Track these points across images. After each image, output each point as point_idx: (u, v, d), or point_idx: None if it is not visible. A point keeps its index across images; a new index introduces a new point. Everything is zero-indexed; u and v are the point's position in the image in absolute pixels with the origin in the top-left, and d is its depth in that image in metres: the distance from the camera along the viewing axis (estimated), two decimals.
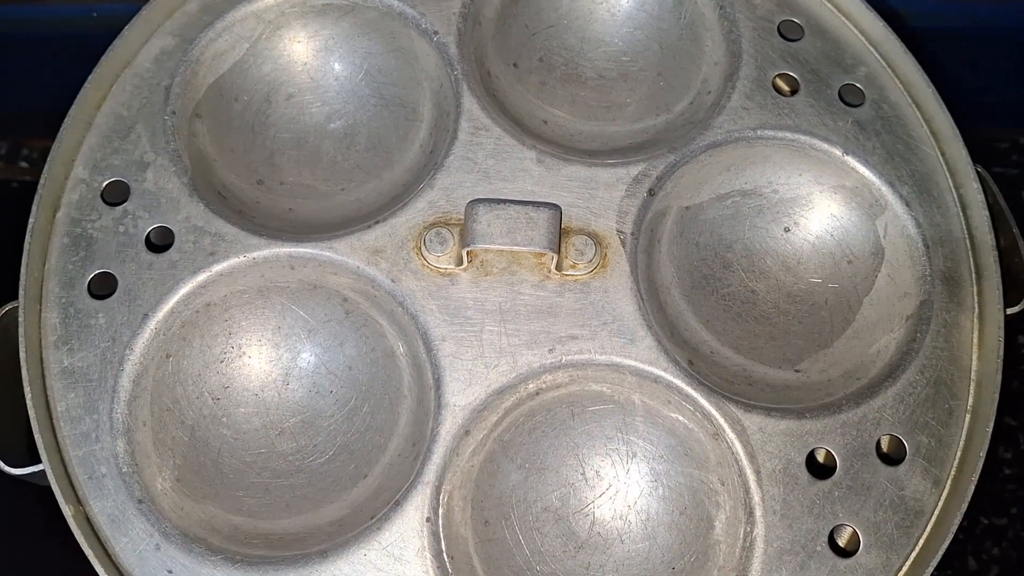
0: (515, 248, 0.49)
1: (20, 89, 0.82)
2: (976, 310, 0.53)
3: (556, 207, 0.51)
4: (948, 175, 0.55)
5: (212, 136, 0.56)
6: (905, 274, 0.54)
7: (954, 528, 0.48)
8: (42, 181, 0.52)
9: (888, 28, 0.56)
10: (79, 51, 0.78)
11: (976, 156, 0.54)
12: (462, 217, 0.52)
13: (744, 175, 0.56)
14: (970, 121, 0.56)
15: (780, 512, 0.48)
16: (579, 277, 0.52)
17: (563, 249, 0.51)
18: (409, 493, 0.48)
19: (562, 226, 0.51)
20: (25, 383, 0.49)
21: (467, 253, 0.51)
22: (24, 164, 0.85)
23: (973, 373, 0.52)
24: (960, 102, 0.56)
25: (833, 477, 0.49)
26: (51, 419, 0.49)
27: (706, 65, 0.58)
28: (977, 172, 0.54)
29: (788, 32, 0.57)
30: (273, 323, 0.53)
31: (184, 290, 0.51)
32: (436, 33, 0.56)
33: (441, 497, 0.48)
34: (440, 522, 0.48)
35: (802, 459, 0.49)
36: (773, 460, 0.49)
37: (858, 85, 0.56)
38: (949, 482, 0.50)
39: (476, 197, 0.52)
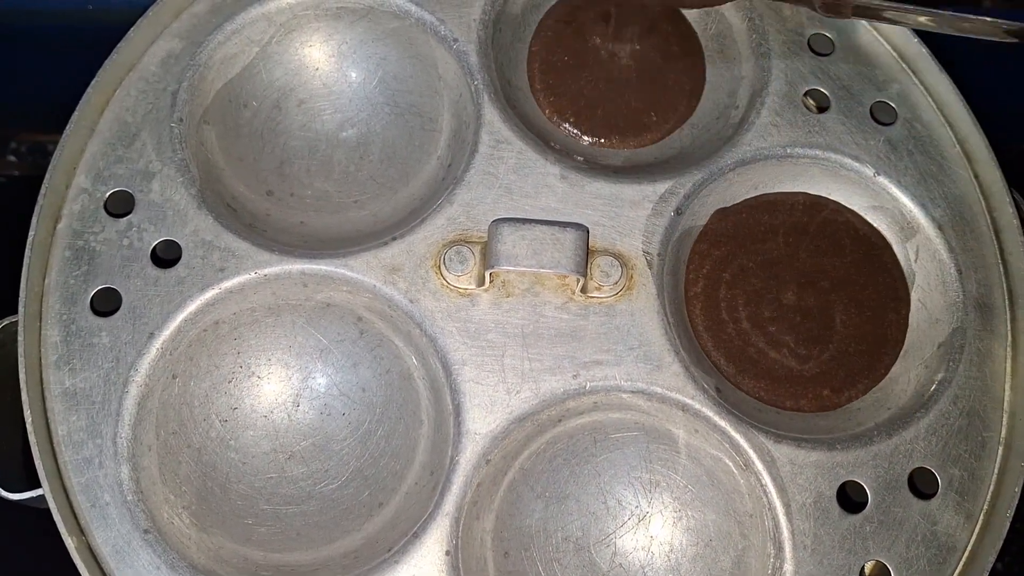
0: (542, 271, 0.48)
1: (9, 82, 0.79)
2: (1010, 338, 0.51)
3: (584, 228, 0.49)
4: (982, 198, 0.53)
5: (220, 144, 0.53)
6: (937, 300, 0.52)
7: (989, 565, 0.47)
8: (43, 191, 0.49)
9: (922, 44, 0.55)
10: (72, 44, 0.75)
11: None
12: (483, 235, 0.50)
13: None
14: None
15: (811, 547, 0.47)
16: (604, 299, 0.50)
17: (588, 270, 0.49)
18: (428, 525, 0.46)
19: (588, 246, 0.49)
20: (25, 405, 0.47)
21: (489, 274, 0.49)
22: (12, 158, 0.83)
23: (1006, 404, 0.50)
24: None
25: (864, 511, 0.48)
26: (52, 443, 0.47)
27: (733, 79, 0.56)
28: (1012, 196, 0.52)
29: (819, 47, 0.55)
30: (284, 342, 0.51)
31: (191, 308, 0.49)
32: (456, 40, 0.54)
33: (460, 529, 0.46)
34: (460, 555, 0.46)
35: (833, 492, 0.48)
36: (803, 493, 0.48)
37: (890, 103, 0.54)
38: (982, 517, 0.49)
39: (497, 214, 0.50)
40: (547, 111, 0.55)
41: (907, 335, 0.52)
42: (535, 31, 0.57)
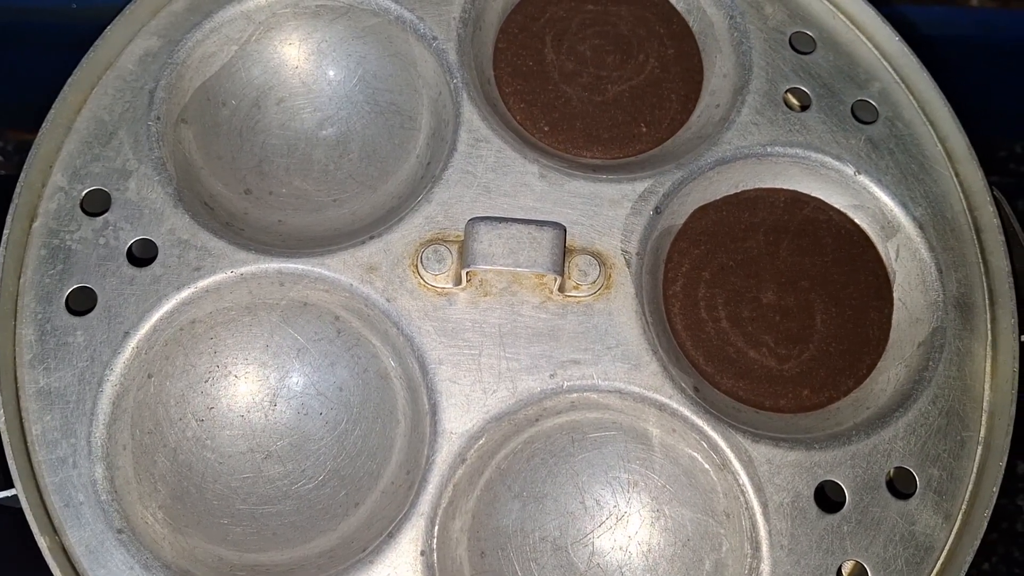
0: (518, 269, 0.47)
1: None
2: (990, 338, 0.51)
3: (560, 227, 0.49)
4: (963, 197, 0.53)
5: (198, 143, 0.53)
6: (917, 299, 0.52)
7: (966, 565, 0.47)
8: (18, 189, 0.49)
9: (903, 43, 0.54)
10: (58, 43, 0.75)
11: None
12: (461, 234, 0.50)
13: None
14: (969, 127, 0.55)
15: (788, 547, 0.47)
16: (582, 299, 0.50)
17: (566, 269, 0.49)
18: (403, 524, 0.46)
19: (566, 245, 0.49)
20: None
21: (466, 273, 0.49)
22: None
23: (985, 403, 0.50)
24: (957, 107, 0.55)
25: (842, 511, 0.48)
26: (25, 443, 0.47)
27: (715, 77, 0.56)
28: (993, 195, 0.52)
29: (800, 45, 0.55)
30: (261, 341, 0.51)
31: (167, 307, 0.49)
32: (435, 39, 0.53)
33: (436, 529, 0.46)
34: (435, 555, 0.46)
35: (811, 492, 0.48)
36: (781, 493, 0.47)
37: (871, 101, 0.54)
38: (960, 516, 0.48)
39: (476, 213, 0.50)
40: (518, 117, 0.55)
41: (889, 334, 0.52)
42: (501, 28, 0.56)
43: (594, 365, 0.49)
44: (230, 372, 0.51)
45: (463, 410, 0.48)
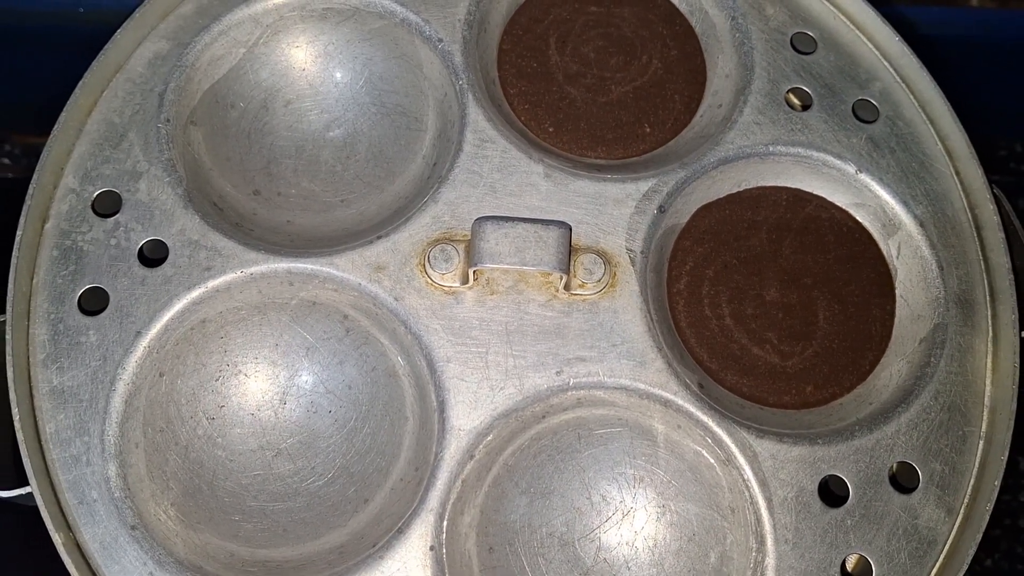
0: (524, 268, 0.48)
1: (2, 84, 0.80)
2: (991, 333, 0.52)
3: (566, 225, 0.49)
4: (963, 195, 0.54)
5: (207, 144, 0.54)
6: (918, 296, 0.52)
7: (969, 558, 0.47)
8: (30, 191, 0.50)
9: (903, 43, 0.55)
10: (65, 46, 0.76)
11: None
12: (468, 233, 0.50)
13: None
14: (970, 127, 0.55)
15: (792, 541, 0.47)
16: (587, 297, 0.50)
17: (571, 268, 0.50)
18: (412, 520, 0.46)
19: (571, 244, 0.50)
20: (12, 403, 0.47)
21: (473, 272, 0.49)
22: (7, 161, 0.83)
23: (987, 399, 0.51)
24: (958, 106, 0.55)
25: (846, 505, 0.48)
26: (39, 441, 0.47)
27: (717, 78, 0.56)
28: (993, 193, 0.53)
29: (801, 45, 0.56)
30: (270, 340, 0.51)
31: (178, 306, 0.49)
32: (440, 40, 0.54)
33: (445, 524, 0.47)
34: (444, 550, 0.47)
35: (815, 486, 0.48)
36: (785, 487, 0.48)
37: (872, 101, 0.55)
38: (963, 510, 0.49)
39: (482, 213, 0.51)
40: (523, 118, 0.55)
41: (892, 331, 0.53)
42: (505, 30, 0.56)
43: (600, 362, 0.49)
44: (240, 371, 0.51)
45: (471, 407, 0.48)
